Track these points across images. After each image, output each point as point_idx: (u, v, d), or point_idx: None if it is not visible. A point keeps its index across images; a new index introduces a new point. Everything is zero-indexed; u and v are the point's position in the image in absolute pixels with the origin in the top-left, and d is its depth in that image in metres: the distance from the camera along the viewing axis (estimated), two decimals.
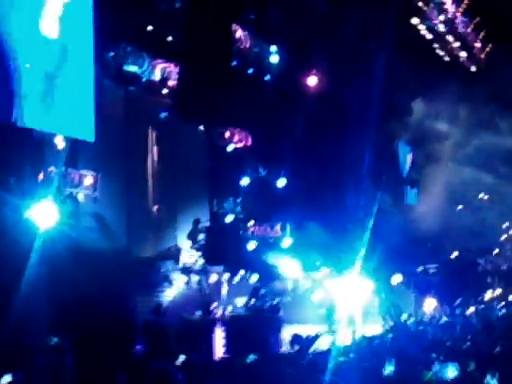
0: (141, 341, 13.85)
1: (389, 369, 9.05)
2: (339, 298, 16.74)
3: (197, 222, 18.78)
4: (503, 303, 19.15)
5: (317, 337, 14.41)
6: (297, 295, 19.09)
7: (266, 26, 20.34)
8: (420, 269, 20.62)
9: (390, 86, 19.87)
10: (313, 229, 19.60)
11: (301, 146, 19.95)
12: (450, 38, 22.31)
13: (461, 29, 22.74)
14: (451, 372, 8.84)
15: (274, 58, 20.12)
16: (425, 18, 21.48)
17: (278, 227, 20.14)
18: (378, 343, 13.25)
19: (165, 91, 18.63)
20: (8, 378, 8.24)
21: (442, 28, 21.89)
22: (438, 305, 18.80)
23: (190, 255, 18.05)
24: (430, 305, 18.55)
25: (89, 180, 15.99)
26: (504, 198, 21.16)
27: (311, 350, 13.11)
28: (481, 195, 21.64)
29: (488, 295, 19.76)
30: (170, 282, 17.20)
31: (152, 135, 18.80)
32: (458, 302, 18.93)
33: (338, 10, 20.01)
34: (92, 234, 15.11)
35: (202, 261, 18.00)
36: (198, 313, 15.69)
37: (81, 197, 15.90)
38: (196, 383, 7.72)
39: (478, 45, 23.61)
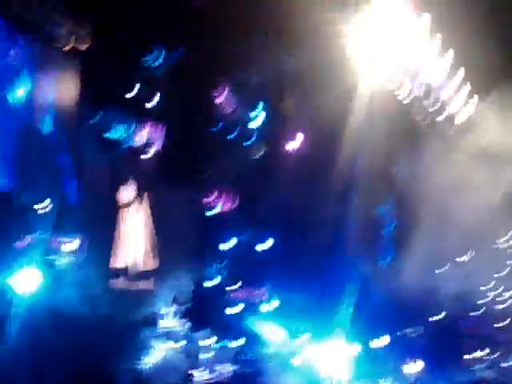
0: None
1: None
2: (320, 363, 16.78)
3: (178, 286, 18.76)
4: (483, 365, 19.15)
5: None
6: (280, 360, 19.00)
7: (248, 89, 20.60)
8: (403, 332, 20.57)
9: (373, 152, 20.10)
10: (296, 293, 19.59)
11: (284, 210, 20.04)
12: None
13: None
14: None
15: (255, 123, 20.32)
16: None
17: (262, 291, 20.10)
18: None
19: (148, 156, 18.84)
20: None
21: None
22: (422, 368, 18.74)
23: (168, 321, 17.96)
24: (412, 368, 18.49)
25: (71, 246, 16.02)
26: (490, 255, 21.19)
27: None
28: (464, 257, 21.66)
29: (470, 357, 19.72)
30: (151, 349, 17.12)
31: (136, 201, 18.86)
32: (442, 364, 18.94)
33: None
34: (73, 301, 15.14)
35: (181, 327, 17.92)
36: (180, 379, 15.60)
37: (63, 262, 15.91)
38: None
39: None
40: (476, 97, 21.62)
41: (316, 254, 20.42)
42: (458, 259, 21.11)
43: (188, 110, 19.03)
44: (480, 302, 21.03)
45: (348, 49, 19.71)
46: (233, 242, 20.31)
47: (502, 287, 21.19)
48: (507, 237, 21.66)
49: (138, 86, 18.22)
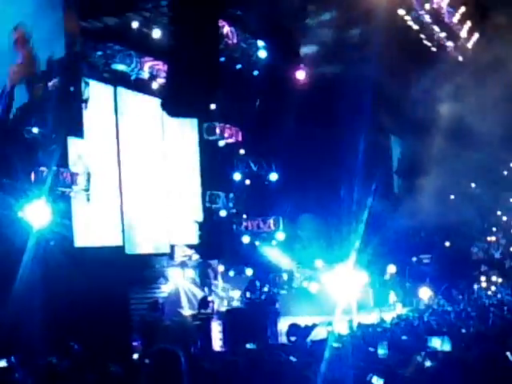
0: (137, 336, 13.89)
1: (381, 352, 9.11)
2: (334, 290, 16.81)
3: (191, 218, 18.79)
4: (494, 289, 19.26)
5: (314, 326, 14.46)
6: (292, 287, 19.13)
7: (253, 21, 20.34)
8: (414, 259, 20.70)
9: (381, 77, 19.87)
10: (306, 222, 19.64)
11: (292, 140, 19.95)
12: (435, 28, 22.33)
13: (447, 19, 22.79)
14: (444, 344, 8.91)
15: (262, 53, 20.12)
16: (411, 9, 21.49)
17: (271, 221, 20.16)
18: (373, 330, 13.28)
19: (154, 88, 18.73)
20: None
21: (427, 18, 21.91)
22: (433, 294, 18.85)
23: (183, 251, 18.02)
24: (424, 294, 18.59)
25: (81, 179, 15.95)
26: (497, 184, 21.20)
27: (308, 339, 13.15)
28: (473, 184, 21.65)
29: (482, 283, 19.83)
30: (166, 278, 17.23)
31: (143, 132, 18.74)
32: (452, 291, 19.05)
33: None
34: (86, 233, 15.15)
35: (196, 256, 17.99)
36: (195, 307, 15.68)
37: (73, 196, 15.87)
38: (196, 369, 7.71)
39: (463, 35, 23.66)
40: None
41: (327, 183, 20.44)
42: (471, 185, 21.11)
43: (193, 41, 18.81)
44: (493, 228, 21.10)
45: None
46: (240, 173, 20.34)
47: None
48: None
49: (141, 20, 18.01)
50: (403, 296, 19.02)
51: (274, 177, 20.73)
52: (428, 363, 8.00)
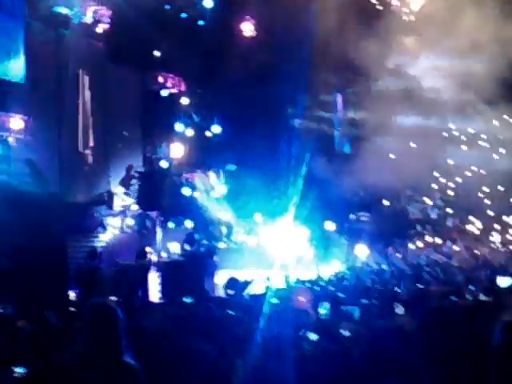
0: (75, 285, 13.75)
1: (322, 311, 9.20)
2: (273, 244, 16.92)
3: (130, 167, 18.57)
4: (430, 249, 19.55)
5: (251, 281, 14.49)
6: (231, 241, 19.13)
7: None
8: (352, 216, 20.85)
9: (326, 33, 19.77)
10: (246, 176, 19.60)
11: (236, 93, 19.83)
12: None
13: None
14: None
15: (208, 3, 19.87)
16: None
17: (212, 174, 20.10)
18: (312, 287, 13.37)
19: (97, 33, 18.35)
20: None
21: None
22: (369, 252, 19.05)
23: (123, 200, 17.86)
24: (361, 251, 18.79)
25: (19, 123, 15.63)
26: (436, 145, 21.38)
27: (245, 293, 13.18)
28: (413, 144, 21.81)
29: (417, 242, 20.09)
30: (104, 227, 17.07)
31: (84, 78, 18.35)
32: (389, 249, 19.28)
33: None
34: (23, 179, 14.84)
35: (136, 206, 17.85)
36: (133, 257, 15.56)
37: (11, 141, 15.56)
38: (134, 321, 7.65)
39: None
40: None
41: (267, 138, 20.41)
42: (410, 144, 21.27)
43: None
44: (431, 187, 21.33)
45: None
46: (184, 123, 20.15)
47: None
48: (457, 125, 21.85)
49: None
50: (341, 253, 19.19)
51: (216, 129, 20.61)
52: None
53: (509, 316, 4.09)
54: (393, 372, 6.36)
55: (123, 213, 17.59)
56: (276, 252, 15.61)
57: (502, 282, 12.33)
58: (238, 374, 6.70)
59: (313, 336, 7.58)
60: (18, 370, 5.64)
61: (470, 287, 11.53)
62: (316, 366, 6.96)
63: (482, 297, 9.58)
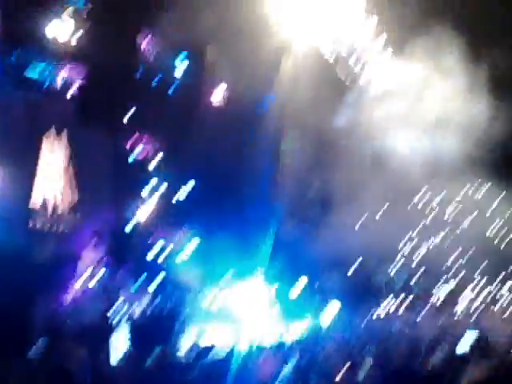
0: (40, 343, 13.56)
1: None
2: (241, 303, 16.90)
3: (99, 228, 18.57)
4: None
5: (213, 347, 14.40)
6: (199, 300, 19.04)
7: (172, 37, 20.41)
8: (319, 279, 20.90)
9: (297, 107, 20.19)
10: (216, 236, 19.64)
11: (206, 157, 20.03)
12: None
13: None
14: None
15: (179, 72, 20.26)
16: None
17: (181, 234, 20.11)
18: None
19: (68, 96, 18.50)
20: None
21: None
22: (336, 315, 19.06)
23: (92, 259, 17.80)
24: (333, 308, 18.84)
25: None
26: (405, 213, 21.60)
27: (208, 357, 13.11)
28: (377, 216, 21.99)
29: (383, 307, 20.18)
30: (69, 288, 16.91)
31: (55, 139, 18.45)
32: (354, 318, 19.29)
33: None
34: None
35: (103, 268, 17.78)
36: (97, 317, 15.42)
37: None
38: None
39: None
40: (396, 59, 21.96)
41: (237, 198, 20.55)
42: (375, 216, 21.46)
43: (109, 52, 18.75)
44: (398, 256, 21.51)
45: (272, 6, 19.78)
46: (155, 185, 20.28)
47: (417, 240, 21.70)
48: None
49: (56, 23, 17.83)
50: (311, 310, 19.21)
51: (186, 191, 20.71)
52: None
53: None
54: None
55: (91, 272, 17.50)
56: (243, 311, 15.60)
57: (461, 346, 12.56)
58: None
59: None
60: None
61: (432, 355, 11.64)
62: None
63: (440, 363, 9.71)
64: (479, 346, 12.41)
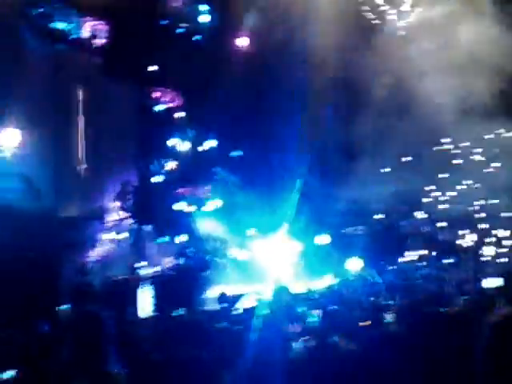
0: (66, 301, 13.79)
1: (312, 319, 9.29)
2: (266, 259, 16.99)
3: (125, 182, 18.66)
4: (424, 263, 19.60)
5: (242, 295, 14.58)
6: (224, 256, 19.17)
7: None
8: (345, 230, 20.88)
9: (324, 52, 19.92)
10: (240, 190, 19.68)
11: (231, 108, 19.93)
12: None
13: None
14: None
15: (205, 18, 20.02)
16: None
17: (206, 188, 20.14)
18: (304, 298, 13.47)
19: (94, 49, 18.47)
20: None
21: None
22: (363, 265, 19.09)
23: (116, 215, 17.94)
24: (354, 265, 18.82)
25: (14, 137, 15.74)
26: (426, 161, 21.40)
27: (237, 306, 13.28)
28: (405, 159, 21.81)
29: (409, 256, 20.14)
30: (97, 242, 17.12)
31: (79, 93, 18.47)
32: (382, 263, 19.32)
33: None
34: (18, 194, 14.94)
35: (129, 221, 17.91)
36: (125, 272, 15.62)
37: (5, 155, 15.66)
38: (125, 334, 7.72)
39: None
40: None
41: (261, 154, 20.50)
42: (402, 159, 21.28)
43: (134, 2, 18.65)
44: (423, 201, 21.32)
45: None
46: (179, 139, 20.23)
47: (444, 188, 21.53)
48: (451, 139, 21.89)
49: None
50: (334, 267, 19.22)
51: (211, 144, 20.67)
52: None
53: (495, 316, 4.21)
54: (382, 374, 6.45)
55: (117, 227, 17.65)
56: (268, 266, 15.68)
57: (488, 283, 12.55)
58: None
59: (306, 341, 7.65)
60: (6, 375, 5.71)
61: (460, 297, 11.61)
62: (306, 373, 7.05)
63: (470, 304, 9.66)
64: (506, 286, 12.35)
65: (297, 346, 7.74)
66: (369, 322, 8.97)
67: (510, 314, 4.14)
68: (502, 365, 3.99)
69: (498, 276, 12.79)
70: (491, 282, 12.70)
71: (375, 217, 20.99)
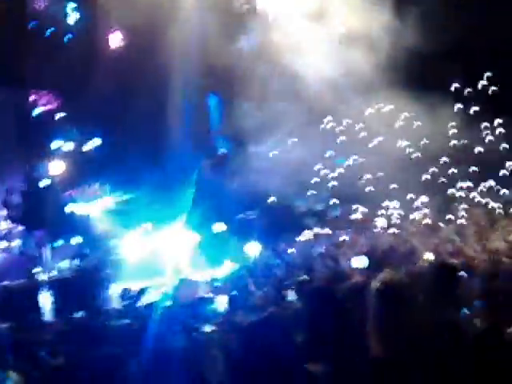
0: None
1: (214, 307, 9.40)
2: (165, 252, 16.94)
3: (9, 189, 18.27)
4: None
5: (144, 290, 14.52)
6: (122, 252, 19.00)
7: None
8: (240, 216, 20.98)
9: (194, 38, 19.87)
10: (134, 186, 19.55)
11: (113, 105, 19.72)
12: None
13: None
14: None
15: (74, 16, 19.80)
16: None
17: (95, 187, 19.92)
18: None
19: None
20: None
21: None
22: (261, 249, 19.25)
23: (6, 222, 17.56)
24: (254, 249, 18.97)
25: None
26: (313, 138, 21.62)
27: (140, 303, 13.23)
28: (293, 139, 22.00)
29: (305, 236, 20.36)
30: None
31: None
32: (280, 244, 19.49)
33: None
34: None
35: (20, 227, 17.56)
36: (21, 279, 15.32)
37: None
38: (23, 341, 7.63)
39: None
40: None
41: (150, 145, 20.37)
42: (289, 141, 21.49)
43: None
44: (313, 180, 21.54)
45: None
46: (62, 140, 19.95)
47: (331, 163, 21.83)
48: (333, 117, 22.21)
49: None
50: (233, 253, 19.32)
51: (95, 142, 20.45)
52: None
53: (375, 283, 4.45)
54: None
55: (7, 236, 17.28)
56: (168, 259, 15.65)
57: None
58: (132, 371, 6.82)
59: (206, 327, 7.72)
60: None
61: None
62: (205, 361, 7.15)
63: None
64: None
65: (198, 335, 7.83)
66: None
67: (385, 279, 4.49)
68: (386, 324, 4.34)
69: None
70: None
71: (269, 200, 21.12)
